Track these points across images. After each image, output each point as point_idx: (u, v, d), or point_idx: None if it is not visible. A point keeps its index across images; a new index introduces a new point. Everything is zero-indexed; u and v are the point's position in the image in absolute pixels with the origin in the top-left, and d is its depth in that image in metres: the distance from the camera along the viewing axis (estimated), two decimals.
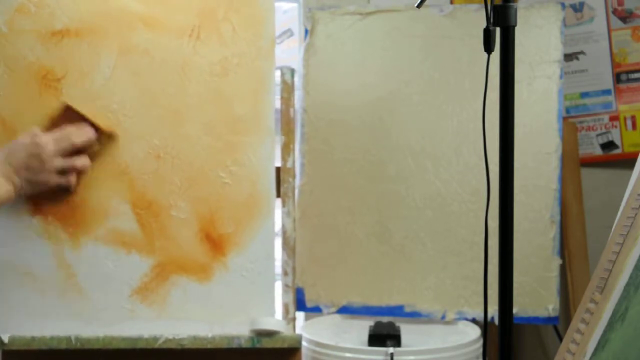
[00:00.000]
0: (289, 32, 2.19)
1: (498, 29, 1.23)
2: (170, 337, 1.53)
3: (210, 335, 1.54)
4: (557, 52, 1.85)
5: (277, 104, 1.62)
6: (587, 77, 2.09)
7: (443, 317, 1.88)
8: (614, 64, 2.07)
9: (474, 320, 1.87)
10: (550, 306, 1.83)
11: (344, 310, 1.92)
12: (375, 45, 1.93)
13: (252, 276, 1.56)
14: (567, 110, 2.09)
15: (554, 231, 1.84)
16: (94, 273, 1.54)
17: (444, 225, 1.88)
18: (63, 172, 1.49)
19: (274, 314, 1.57)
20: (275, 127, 1.58)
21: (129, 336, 1.53)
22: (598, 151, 2.10)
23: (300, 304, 1.90)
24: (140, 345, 1.53)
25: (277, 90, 1.62)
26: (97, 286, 1.54)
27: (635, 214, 1.10)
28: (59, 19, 1.53)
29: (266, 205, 1.56)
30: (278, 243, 1.61)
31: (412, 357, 1.68)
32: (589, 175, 2.09)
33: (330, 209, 1.92)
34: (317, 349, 1.75)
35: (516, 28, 1.23)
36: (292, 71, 1.65)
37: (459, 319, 1.87)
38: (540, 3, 1.88)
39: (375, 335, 1.74)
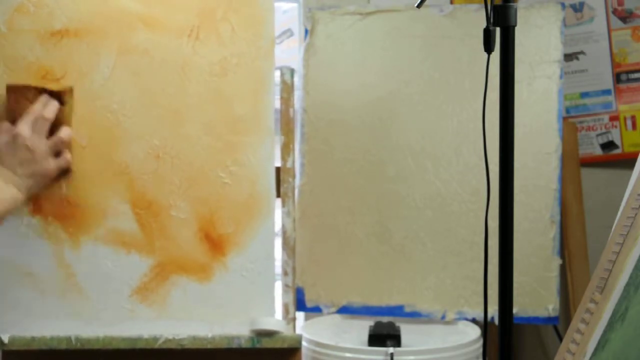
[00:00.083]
0: (289, 32, 2.19)
1: (498, 29, 1.23)
2: (170, 337, 1.53)
3: (210, 335, 1.54)
4: (557, 52, 1.85)
5: (277, 104, 1.62)
6: (587, 77, 2.09)
7: (443, 317, 1.87)
8: (614, 64, 2.07)
9: (474, 320, 1.87)
10: (550, 306, 1.83)
11: (344, 310, 1.92)
12: (375, 45, 1.92)
13: (252, 276, 1.56)
14: (567, 110, 2.09)
15: (554, 231, 1.84)
16: (93, 273, 1.54)
17: (444, 225, 1.88)
18: (56, 153, 1.48)
19: (274, 314, 1.57)
20: (275, 127, 1.58)
21: (129, 336, 1.53)
22: (598, 151, 2.10)
23: (300, 304, 1.90)
24: (140, 345, 1.53)
25: (277, 90, 1.62)
26: (97, 286, 1.54)
27: (635, 214, 1.09)
28: (59, 18, 1.53)
29: (266, 205, 1.56)
30: (278, 243, 1.61)
31: (412, 357, 1.68)
32: (589, 175, 2.08)
33: (330, 209, 1.92)
34: (317, 349, 1.75)
35: (516, 28, 1.23)
36: (292, 71, 1.65)
37: (459, 319, 1.87)
38: (540, 3, 1.88)
39: (375, 335, 1.74)
